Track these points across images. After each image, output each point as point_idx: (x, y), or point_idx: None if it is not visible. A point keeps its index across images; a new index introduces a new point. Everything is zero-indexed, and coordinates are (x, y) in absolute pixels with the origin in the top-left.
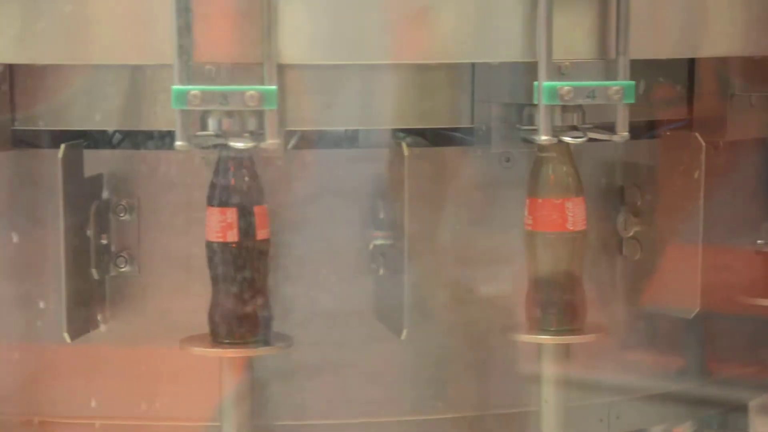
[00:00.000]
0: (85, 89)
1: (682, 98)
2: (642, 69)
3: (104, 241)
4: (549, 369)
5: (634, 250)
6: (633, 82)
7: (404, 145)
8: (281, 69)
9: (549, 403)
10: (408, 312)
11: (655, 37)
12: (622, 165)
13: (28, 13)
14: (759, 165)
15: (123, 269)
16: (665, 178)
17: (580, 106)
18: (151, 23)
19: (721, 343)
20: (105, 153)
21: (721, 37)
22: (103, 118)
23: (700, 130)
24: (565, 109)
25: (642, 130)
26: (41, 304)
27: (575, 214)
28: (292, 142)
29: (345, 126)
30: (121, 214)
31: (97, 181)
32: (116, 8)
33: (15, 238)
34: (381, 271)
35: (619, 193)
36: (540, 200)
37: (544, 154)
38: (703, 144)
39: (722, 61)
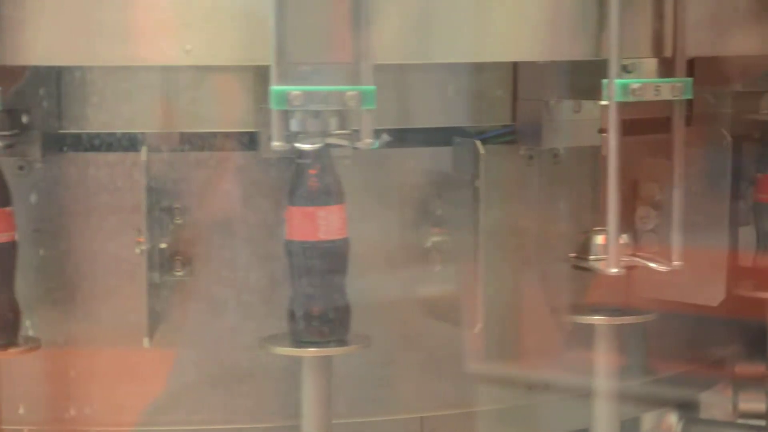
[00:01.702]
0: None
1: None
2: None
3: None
4: (308, 382)
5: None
6: (373, 87)
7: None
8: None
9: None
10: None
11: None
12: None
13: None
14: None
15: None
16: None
17: (324, 112)
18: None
19: (662, 342)
20: None
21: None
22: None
23: (521, 138)
24: (301, 114)
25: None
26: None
27: (329, 222)
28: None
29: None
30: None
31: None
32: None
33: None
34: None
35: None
36: (293, 208)
37: (300, 161)
38: (482, 152)
39: (538, 68)
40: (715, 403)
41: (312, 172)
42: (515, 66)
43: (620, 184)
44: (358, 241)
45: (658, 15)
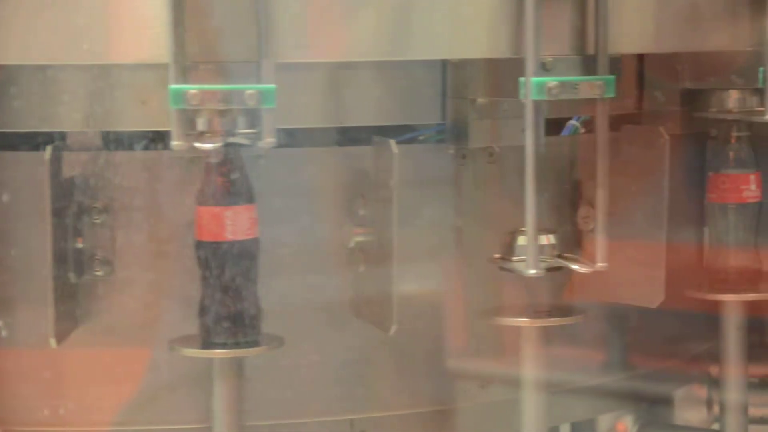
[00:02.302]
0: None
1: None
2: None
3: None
4: (218, 383)
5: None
6: (273, 87)
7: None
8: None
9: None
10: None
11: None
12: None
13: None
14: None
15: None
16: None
17: (230, 111)
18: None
19: (643, 337)
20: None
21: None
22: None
23: (450, 136)
24: (208, 113)
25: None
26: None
27: (236, 222)
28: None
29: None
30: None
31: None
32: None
33: None
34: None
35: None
36: (201, 208)
37: (209, 160)
38: (395, 152)
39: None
40: (691, 401)
41: (219, 171)
42: (444, 64)
43: (539, 184)
44: (280, 241)
45: (581, 12)
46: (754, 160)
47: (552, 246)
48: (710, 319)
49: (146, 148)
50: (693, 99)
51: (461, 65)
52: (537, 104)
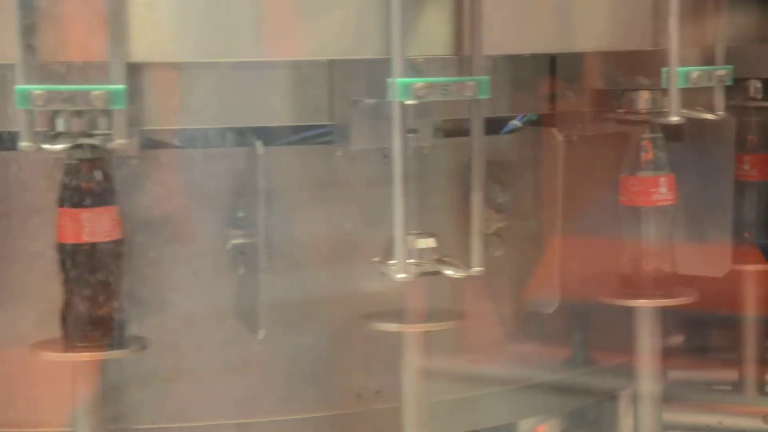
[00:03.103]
0: None
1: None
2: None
3: None
4: (79, 386)
5: None
6: (123, 87)
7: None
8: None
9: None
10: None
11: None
12: None
13: None
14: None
15: None
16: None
17: (87, 112)
18: None
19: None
20: None
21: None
22: None
23: (336, 138)
24: (67, 113)
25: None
26: None
27: (95, 224)
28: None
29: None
30: None
31: None
32: None
33: None
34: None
35: None
36: (60, 210)
37: (68, 162)
38: (261, 153)
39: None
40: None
41: (74, 173)
42: (330, 64)
43: (406, 187)
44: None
45: (457, 11)
46: (666, 162)
47: (432, 250)
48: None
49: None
50: (605, 100)
51: (343, 65)
52: (403, 106)
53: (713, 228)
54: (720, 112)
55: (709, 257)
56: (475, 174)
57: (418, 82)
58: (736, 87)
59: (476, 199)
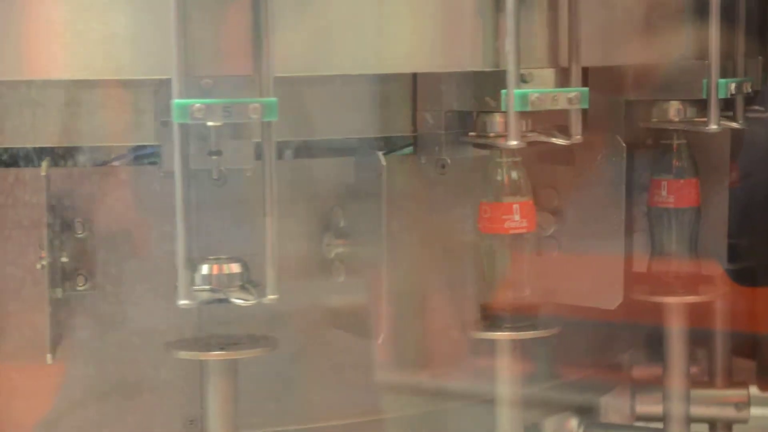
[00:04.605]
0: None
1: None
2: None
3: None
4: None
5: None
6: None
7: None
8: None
9: None
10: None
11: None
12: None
13: None
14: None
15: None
16: None
17: None
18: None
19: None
20: None
21: None
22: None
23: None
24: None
25: None
26: None
27: None
28: None
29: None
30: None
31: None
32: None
33: None
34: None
35: None
36: None
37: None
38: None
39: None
40: (614, 407)
41: None
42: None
43: (188, 211)
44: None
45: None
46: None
47: (236, 275)
48: (632, 326)
49: None
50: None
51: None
52: (183, 127)
53: (606, 257)
54: (577, 137)
55: (600, 288)
56: (267, 199)
57: (197, 103)
58: (657, 108)
59: (268, 224)
